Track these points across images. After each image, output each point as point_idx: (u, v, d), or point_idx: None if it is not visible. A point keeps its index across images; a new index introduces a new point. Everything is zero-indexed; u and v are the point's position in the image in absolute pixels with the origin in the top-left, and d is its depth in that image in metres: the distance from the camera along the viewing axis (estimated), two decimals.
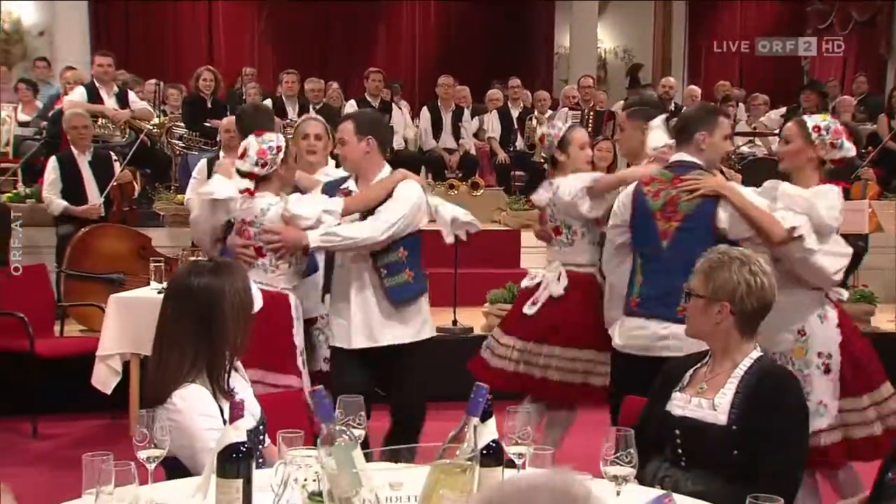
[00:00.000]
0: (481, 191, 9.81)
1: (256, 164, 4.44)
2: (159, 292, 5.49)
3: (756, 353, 2.93)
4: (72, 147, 7.63)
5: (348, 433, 2.07)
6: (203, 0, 15.87)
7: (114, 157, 7.90)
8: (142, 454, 2.38)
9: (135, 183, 8.38)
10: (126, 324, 5.66)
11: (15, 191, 8.79)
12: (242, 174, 4.50)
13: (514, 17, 16.61)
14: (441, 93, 10.72)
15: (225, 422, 2.70)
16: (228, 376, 2.80)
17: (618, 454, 2.38)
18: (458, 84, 12.00)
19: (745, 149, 11.02)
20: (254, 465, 2.22)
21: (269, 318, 4.22)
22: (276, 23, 16.10)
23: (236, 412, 2.18)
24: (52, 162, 7.61)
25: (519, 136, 10.84)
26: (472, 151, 10.80)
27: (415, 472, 2.15)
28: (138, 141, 8.74)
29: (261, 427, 2.85)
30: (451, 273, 7.23)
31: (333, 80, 12.34)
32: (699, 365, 3.01)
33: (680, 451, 2.90)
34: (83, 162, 7.54)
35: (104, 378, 5.66)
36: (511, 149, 10.76)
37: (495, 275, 7.87)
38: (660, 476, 2.89)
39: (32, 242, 7.63)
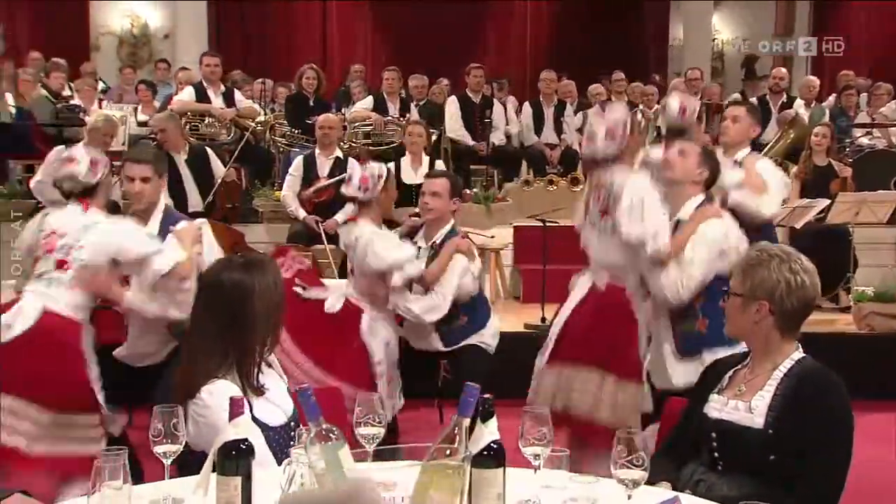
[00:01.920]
0: (581, 186, 9.67)
1: (359, 189, 4.95)
2: None
3: (798, 354, 2.81)
4: (167, 148, 7.81)
5: (335, 433, 2.05)
6: (318, 1, 16.12)
7: (211, 154, 8.04)
8: (158, 449, 2.41)
9: (238, 181, 8.56)
10: None
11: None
12: (347, 198, 5.23)
13: (628, 11, 16.37)
14: (543, 88, 10.66)
15: (254, 418, 2.74)
16: (258, 372, 2.82)
17: (629, 457, 2.31)
18: (567, 79, 11.93)
19: (864, 140, 10.60)
20: (252, 462, 2.21)
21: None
22: (387, 20, 16.27)
23: (236, 410, 2.19)
24: None
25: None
26: (575, 147, 10.66)
27: (408, 473, 2.12)
28: (244, 139, 8.92)
29: (292, 423, 2.85)
30: (539, 269, 7.17)
31: (444, 77, 12.38)
32: (740, 366, 2.90)
33: (716, 454, 2.81)
34: (180, 161, 7.70)
35: None
36: None
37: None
38: (694, 480, 2.80)
39: None
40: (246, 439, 2.18)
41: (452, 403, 6.12)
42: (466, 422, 2.11)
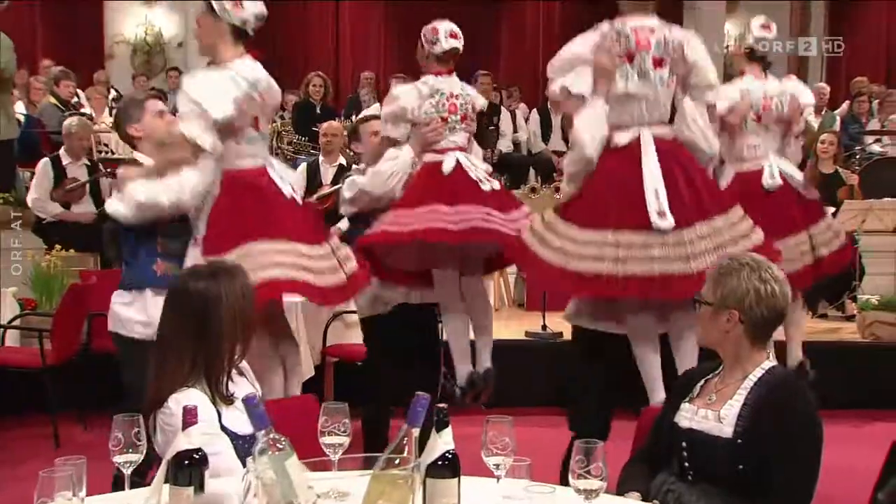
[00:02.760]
0: None
1: None
2: None
3: (768, 364, 2.79)
4: None
5: (283, 442, 2.05)
6: (330, 1, 16.16)
7: None
8: (118, 459, 2.40)
9: None
10: None
11: None
12: None
13: None
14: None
15: (223, 427, 2.74)
16: (228, 380, 2.82)
17: (587, 468, 2.29)
18: None
19: (875, 147, 10.53)
20: (208, 471, 2.20)
21: None
22: (400, 28, 16.26)
23: (188, 419, 2.18)
24: None
25: None
26: None
27: (361, 483, 2.12)
28: None
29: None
30: None
31: None
32: (711, 375, 2.88)
33: (686, 464, 2.79)
34: None
35: None
36: None
37: None
38: (664, 489, 2.79)
39: None
40: (199, 449, 2.17)
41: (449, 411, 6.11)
42: (416, 431, 2.11)
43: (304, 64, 15.24)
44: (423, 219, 4.60)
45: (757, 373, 2.76)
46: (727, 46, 16.17)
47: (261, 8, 4.25)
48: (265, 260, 3.96)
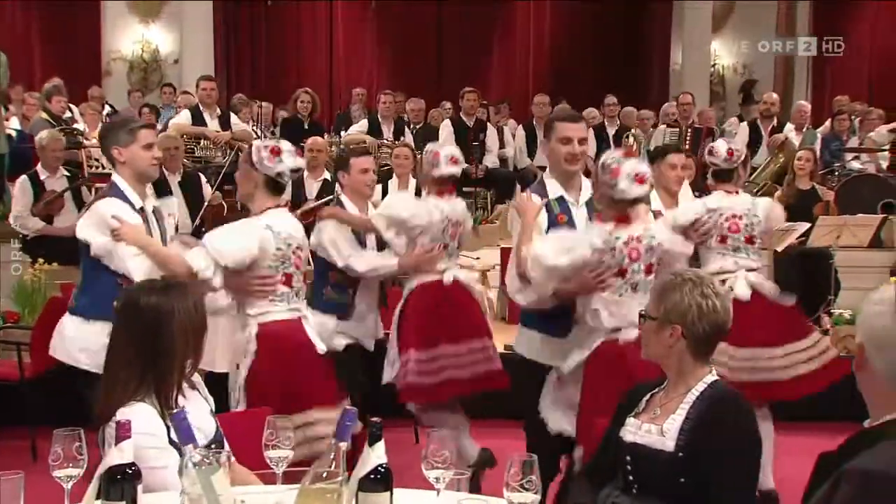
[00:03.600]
0: None
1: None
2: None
3: (710, 378, 2.78)
4: (163, 168, 7.86)
5: (209, 456, 2.04)
6: (324, 18, 16.21)
7: (203, 178, 8.09)
8: (57, 473, 2.38)
9: (223, 204, 8.57)
10: None
11: None
12: None
13: (630, 35, 16.42)
14: (536, 112, 10.69)
15: (171, 441, 2.71)
16: (177, 396, 2.80)
17: (521, 481, 2.28)
18: (565, 103, 11.96)
19: (855, 164, 10.52)
20: (140, 486, 2.18)
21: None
22: (393, 45, 16.36)
23: (122, 433, 2.17)
24: None
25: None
26: None
27: (291, 496, 2.11)
28: (225, 161, 8.93)
29: (213, 445, 2.82)
30: None
31: (447, 101, 12.42)
32: (657, 390, 2.87)
33: (631, 477, 2.78)
34: (173, 182, 7.74)
35: None
36: None
37: None
38: (609, 503, 2.77)
39: None
40: (132, 464, 2.15)
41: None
42: (343, 446, 2.10)
43: (298, 79, 15.27)
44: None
45: (699, 387, 2.75)
46: (714, 64, 16.36)
47: (298, 162, 4.32)
48: None
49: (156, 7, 15.67)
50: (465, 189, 10.19)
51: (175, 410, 2.18)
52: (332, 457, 2.08)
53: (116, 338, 2.81)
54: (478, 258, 8.22)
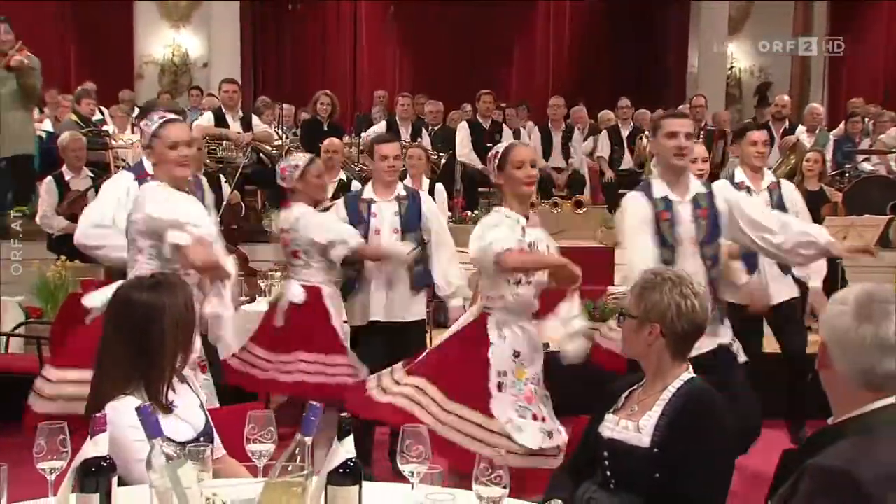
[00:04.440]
0: (584, 209, 9.64)
1: (280, 178, 5.23)
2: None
3: (687, 375, 2.76)
4: None
5: (177, 450, 2.03)
6: (349, 21, 16.23)
7: (223, 179, 8.12)
8: (41, 465, 2.38)
9: (241, 204, 8.61)
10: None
11: None
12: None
13: (648, 38, 16.31)
14: (551, 114, 10.65)
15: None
16: (167, 390, 2.80)
17: (491, 475, 2.26)
18: (584, 105, 11.93)
19: (866, 166, 10.40)
20: (115, 479, 2.17)
21: (307, 309, 5.09)
22: (415, 48, 16.36)
23: (97, 427, 2.16)
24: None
25: (628, 155, 10.56)
26: (582, 170, 10.63)
27: (258, 490, 2.09)
28: (245, 161, 8.97)
29: (202, 439, 2.82)
30: None
31: (468, 103, 12.38)
32: (636, 386, 2.85)
33: (608, 473, 2.77)
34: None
35: None
36: (619, 167, 10.50)
37: (583, 291, 7.68)
38: (586, 497, 2.77)
39: None
40: (107, 457, 2.14)
41: None
42: (308, 440, 2.09)
43: (322, 82, 15.28)
44: None
45: (676, 384, 2.74)
46: (730, 66, 16.21)
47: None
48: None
49: (186, 12, 15.76)
50: (480, 189, 10.20)
51: (142, 405, 2.17)
52: (297, 451, 2.07)
53: (108, 333, 2.82)
54: None
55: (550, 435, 3.87)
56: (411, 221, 5.43)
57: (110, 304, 2.87)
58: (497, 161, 4.06)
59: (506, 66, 16.46)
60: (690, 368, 2.77)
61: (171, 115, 4.22)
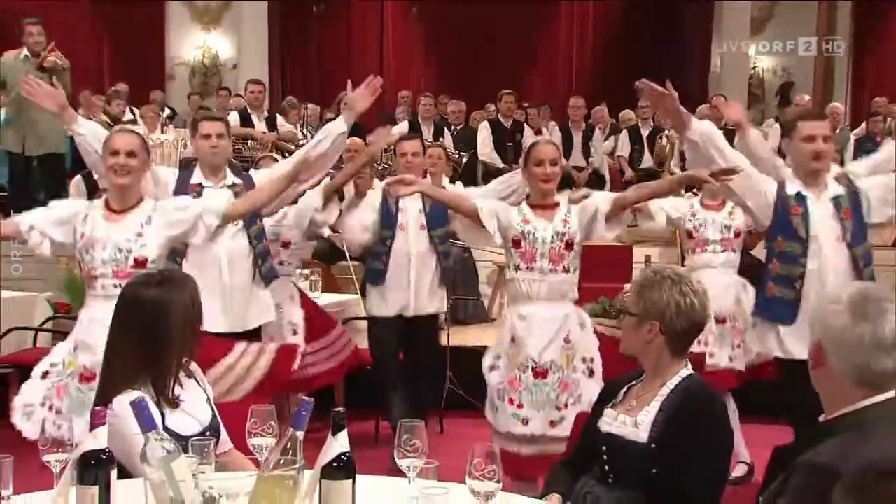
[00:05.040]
0: None
1: None
2: None
3: (685, 372, 2.74)
4: None
5: (169, 443, 2.03)
6: (375, 22, 16.27)
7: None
8: (47, 458, 2.39)
9: None
10: None
11: None
12: None
13: (671, 39, 16.18)
14: (571, 114, 10.64)
15: (165, 428, 2.72)
16: (173, 385, 2.81)
17: (484, 469, 2.24)
18: (607, 104, 11.87)
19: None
20: (114, 472, 2.18)
21: None
22: (441, 49, 16.36)
23: (96, 421, 2.17)
24: None
25: (647, 154, 10.51)
26: (603, 170, 10.59)
27: (251, 483, 2.09)
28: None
29: (208, 433, 2.82)
30: None
31: (491, 103, 12.35)
32: (635, 382, 2.83)
33: (606, 467, 2.75)
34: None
35: None
36: (638, 167, 10.45)
37: (601, 289, 7.64)
38: (584, 492, 2.75)
39: None
40: (106, 449, 2.15)
41: (453, 414, 6.19)
42: (300, 434, 2.08)
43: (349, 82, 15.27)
44: None
45: (674, 381, 2.73)
46: (753, 67, 16.06)
47: None
48: None
49: (216, 14, 15.85)
50: None
51: (137, 398, 2.17)
52: (289, 445, 2.07)
53: (116, 329, 2.84)
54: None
55: (525, 422, 4.12)
56: (435, 217, 5.48)
57: (119, 300, 2.88)
58: (524, 156, 4.37)
59: (529, 67, 16.41)
60: (689, 365, 2.75)
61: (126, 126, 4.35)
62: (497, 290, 8.38)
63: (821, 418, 2.15)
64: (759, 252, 7.39)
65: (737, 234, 5.54)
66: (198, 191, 4.68)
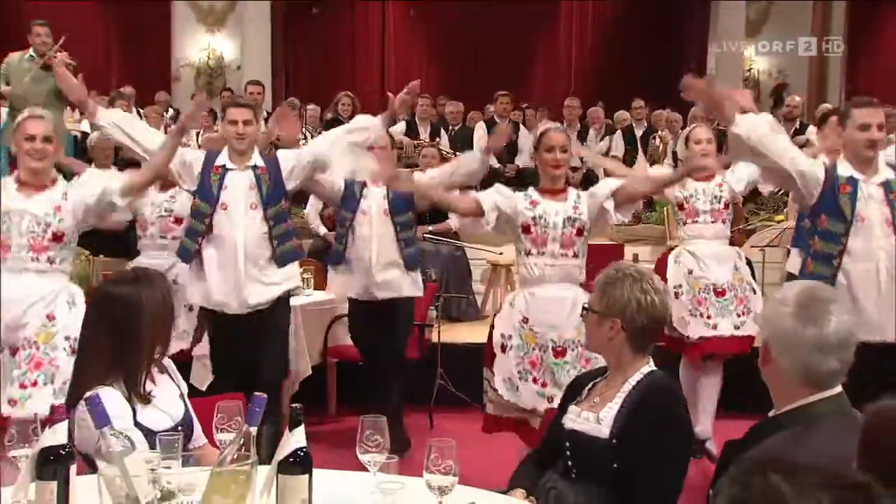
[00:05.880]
0: None
1: None
2: None
3: (647, 368, 2.73)
4: None
5: (123, 438, 2.03)
6: (377, 25, 16.26)
7: None
8: (13, 453, 2.38)
9: None
10: None
11: None
12: None
13: (670, 40, 16.14)
14: (566, 114, 10.60)
15: (136, 424, 2.71)
16: (145, 381, 2.80)
17: (441, 464, 2.24)
18: (605, 105, 11.85)
19: None
20: (74, 467, 2.17)
21: None
22: (442, 51, 16.33)
23: (56, 416, 2.17)
24: None
25: (641, 155, 10.48)
26: (598, 170, 10.55)
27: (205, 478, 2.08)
28: None
29: (180, 428, 2.81)
30: None
31: (490, 104, 12.34)
32: (599, 379, 2.82)
33: (570, 463, 2.73)
34: None
35: (201, 376, 5.75)
36: (632, 167, 10.40)
37: (590, 286, 7.64)
38: (547, 487, 2.73)
39: None
40: (65, 445, 2.14)
41: (444, 410, 6.15)
42: (253, 430, 2.08)
43: (352, 82, 15.24)
44: None
45: (636, 377, 2.71)
46: (749, 68, 16.01)
47: None
48: None
49: (221, 16, 15.84)
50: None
51: (92, 395, 2.17)
52: (241, 440, 2.06)
53: (88, 326, 2.83)
54: (501, 253, 8.17)
55: (550, 399, 4.19)
56: (399, 204, 5.47)
57: (92, 297, 2.88)
58: (535, 143, 4.53)
59: (529, 67, 16.39)
60: (651, 362, 2.74)
61: (38, 112, 4.44)
62: (490, 287, 8.37)
63: (770, 413, 2.15)
64: (747, 250, 7.43)
65: (726, 206, 5.54)
66: (220, 172, 4.86)
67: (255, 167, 4.91)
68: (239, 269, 4.85)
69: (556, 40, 16.61)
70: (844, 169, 4.15)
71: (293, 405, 2.18)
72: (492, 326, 4.48)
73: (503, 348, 4.37)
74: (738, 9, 14.57)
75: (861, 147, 4.10)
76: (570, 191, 4.47)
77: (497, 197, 4.41)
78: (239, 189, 4.87)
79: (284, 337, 5.22)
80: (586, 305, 2.82)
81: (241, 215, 4.87)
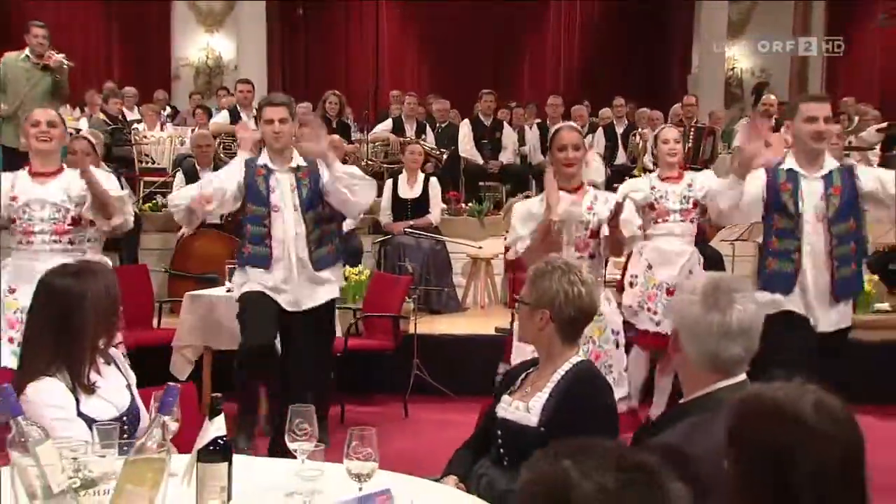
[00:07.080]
0: None
1: None
2: (228, 290, 5.56)
3: (576, 359, 2.71)
4: (196, 162, 7.96)
5: (35, 428, 2.01)
6: (371, 22, 16.25)
7: None
8: None
9: None
10: (198, 318, 5.77)
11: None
12: None
13: (657, 40, 16.12)
14: (550, 112, 10.56)
15: (80, 414, 2.69)
16: (89, 371, 2.78)
17: (361, 451, 2.22)
18: (592, 103, 11.83)
19: (850, 162, 10.16)
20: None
21: None
22: (433, 51, 16.33)
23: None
24: (179, 175, 7.97)
25: (622, 152, 10.47)
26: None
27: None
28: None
29: (124, 418, 2.79)
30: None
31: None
32: (532, 369, 2.80)
33: (502, 450, 2.72)
34: (204, 174, 7.77)
35: (180, 366, 5.75)
36: (613, 163, 10.40)
37: None
38: (479, 473, 2.72)
39: (167, 245, 7.98)
40: None
41: (420, 399, 6.10)
42: (167, 418, 2.06)
43: (346, 82, 15.26)
44: None
45: (565, 367, 2.70)
46: (732, 67, 15.99)
47: None
48: None
49: (220, 17, 15.86)
50: (480, 184, 10.15)
51: (3, 385, 2.14)
52: (156, 429, 2.04)
53: (32, 317, 2.81)
54: (480, 247, 8.16)
55: None
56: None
57: (36, 289, 2.85)
58: (549, 142, 4.38)
59: (518, 66, 16.38)
60: (580, 352, 2.72)
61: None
62: (471, 280, 8.35)
63: (680, 400, 2.14)
64: (717, 244, 7.39)
65: (694, 205, 5.54)
66: (264, 174, 4.74)
67: (297, 168, 4.77)
68: (292, 269, 4.74)
69: (544, 40, 16.60)
70: (790, 163, 4.13)
71: (213, 394, 2.16)
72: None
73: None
74: (721, 9, 14.52)
75: (807, 139, 4.07)
76: (589, 191, 4.24)
77: (521, 225, 4.25)
78: (284, 189, 4.72)
79: (330, 337, 5.15)
80: (518, 298, 2.80)
81: (290, 214, 4.72)
